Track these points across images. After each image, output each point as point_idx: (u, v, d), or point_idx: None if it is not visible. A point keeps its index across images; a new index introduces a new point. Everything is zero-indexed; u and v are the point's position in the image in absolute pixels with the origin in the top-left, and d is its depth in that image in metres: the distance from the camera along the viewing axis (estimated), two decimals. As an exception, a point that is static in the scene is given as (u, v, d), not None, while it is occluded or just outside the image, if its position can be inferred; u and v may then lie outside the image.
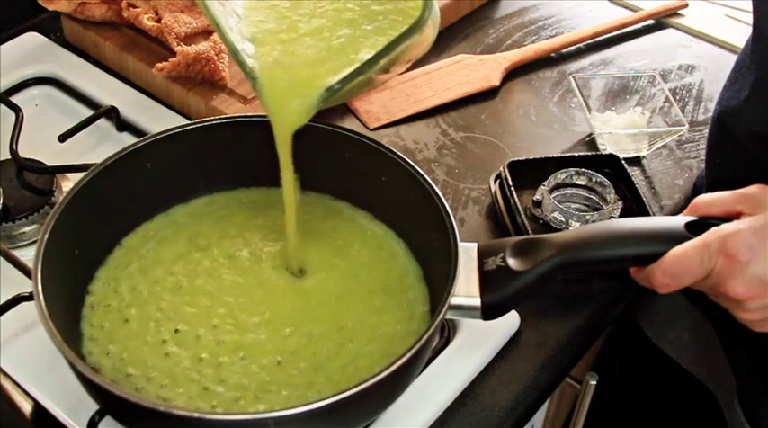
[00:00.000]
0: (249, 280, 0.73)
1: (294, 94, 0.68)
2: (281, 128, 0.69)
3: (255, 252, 0.75)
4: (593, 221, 0.82)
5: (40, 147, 0.89)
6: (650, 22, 1.15)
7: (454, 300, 0.64)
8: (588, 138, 0.98)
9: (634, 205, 0.86)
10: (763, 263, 0.61)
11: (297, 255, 0.74)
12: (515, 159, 0.87)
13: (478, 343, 0.75)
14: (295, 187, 0.72)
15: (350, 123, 0.97)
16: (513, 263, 0.65)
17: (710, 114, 1.00)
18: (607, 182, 0.85)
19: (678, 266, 0.63)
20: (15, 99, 0.95)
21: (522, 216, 0.83)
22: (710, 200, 0.66)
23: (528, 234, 0.81)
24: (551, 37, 1.11)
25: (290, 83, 0.68)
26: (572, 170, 0.86)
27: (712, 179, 0.85)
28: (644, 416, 1.06)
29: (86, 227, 0.72)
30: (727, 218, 0.65)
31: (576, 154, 0.91)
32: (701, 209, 0.66)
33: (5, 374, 0.70)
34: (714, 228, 0.63)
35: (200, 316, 0.70)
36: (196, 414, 0.57)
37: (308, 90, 0.67)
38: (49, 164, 0.86)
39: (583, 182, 0.86)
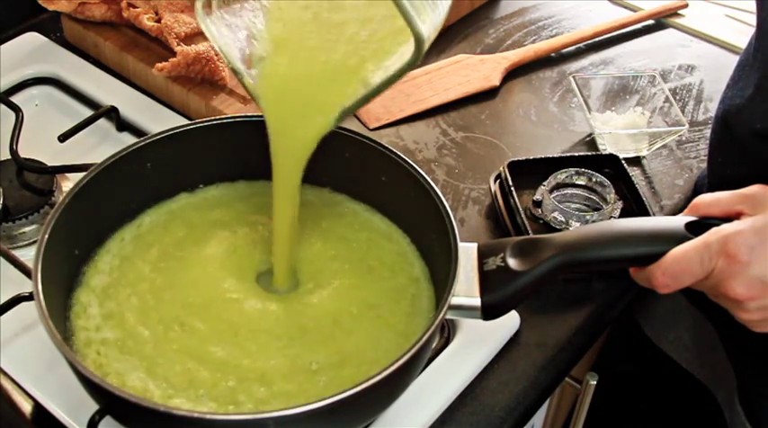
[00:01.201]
0: (224, 304, 0.69)
1: (301, 124, 0.67)
2: (284, 155, 0.68)
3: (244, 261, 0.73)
4: (593, 221, 0.82)
5: (40, 146, 0.89)
6: (650, 22, 1.15)
7: (454, 300, 0.63)
8: (588, 138, 0.98)
9: (634, 205, 0.86)
10: (763, 264, 0.61)
11: (287, 272, 0.72)
12: (515, 159, 0.87)
13: (478, 343, 0.75)
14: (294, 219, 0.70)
15: (350, 123, 0.97)
16: (513, 263, 0.65)
17: (711, 114, 1.01)
18: (607, 182, 0.85)
19: (678, 267, 0.63)
20: (15, 99, 0.95)
21: (522, 216, 0.83)
22: (711, 201, 0.66)
23: (528, 234, 0.81)
24: (551, 37, 1.11)
25: (297, 111, 0.67)
26: (572, 170, 0.86)
27: (715, 178, 0.85)
28: (644, 416, 1.06)
29: (87, 228, 0.72)
30: (728, 218, 0.65)
31: (576, 154, 0.91)
32: (702, 209, 0.66)
33: (5, 374, 0.71)
34: (715, 229, 0.63)
35: (170, 356, 0.66)
36: (196, 415, 0.57)
37: (317, 119, 0.67)
38: (49, 164, 0.86)
39: (583, 182, 0.86)
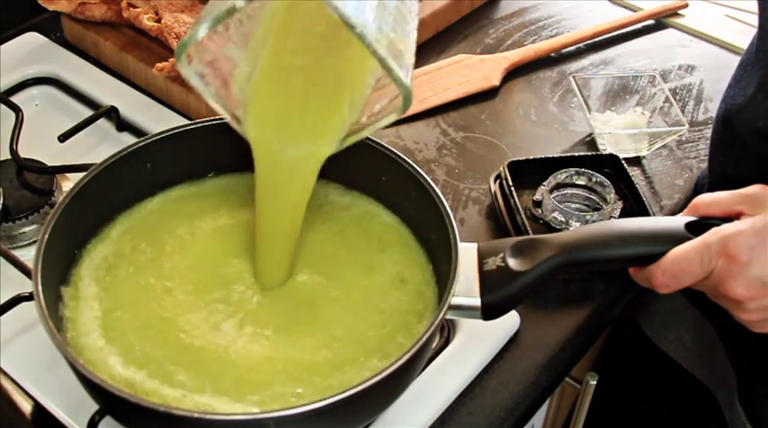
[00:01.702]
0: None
1: (287, 158, 0.66)
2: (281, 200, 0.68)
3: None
4: (593, 221, 0.82)
5: (40, 147, 0.89)
6: (650, 22, 1.15)
7: (454, 300, 0.63)
8: (588, 138, 0.98)
9: (634, 205, 0.86)
10: (763, 265, 0.61)
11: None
12: (515, 159, 0.87)
13: (478, 343, 0.75)
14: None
15: (350, 123, 0.97)
16: (513, 263, 0.65)
17: (711, 114, 1.01)
18: (607, 182, 0.85)
19: (678, 267, 0.63)
20: (15, 99, 0.95)
21: (522, 216, 0.83)
22: (711, 201, 0.66)
23: (528, 234, 0.81)
24: (551, 37, 1.11)
25: (282, 141, 0.66)
26: (572, 170, 0.86)
27: (716, 178, 0.85)
28: (644, 416, 1.06)
29: (87, 228, 0.72)
30: (728, 218, 0.65)
31: (576, 154, 0.91)
32: (702, 209, 0.66)
33: (5, 374, 0.71)
34: (715, 229, 0.63)
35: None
36: (196, 415, 0.57)
37: (303, 148, 0.66)
38: (49, 164, 0.86)
39: (583, 182, 0.86)
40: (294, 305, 0.69)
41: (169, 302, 0.69)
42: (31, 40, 1.04)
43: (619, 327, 0.99)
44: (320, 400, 0.56)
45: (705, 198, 0.66)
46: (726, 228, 0.62)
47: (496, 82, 1.03)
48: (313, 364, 0.65)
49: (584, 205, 0.87)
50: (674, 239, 0.64)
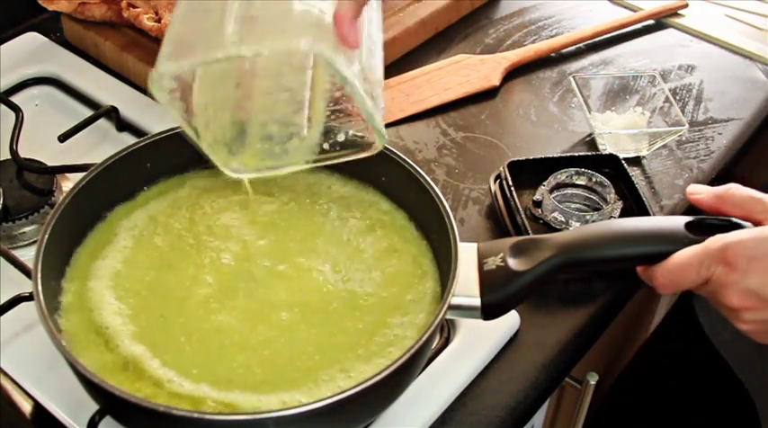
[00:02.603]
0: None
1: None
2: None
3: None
4: (593, 221, 0.82)
5: (40, 147, 0.89)
6: (650, 22, 1.15)
7: (454, 300, 0.63)
8: (588, 138, 0.98)
9: (634, 205, 0.86)
10: (762, 276, 0.60)
11: None
12: (515, 159, 0.87)
13: (478, 343, 0.75)
14: None
15: (350, 123, 0.97)
16: (513, 263, 0.65)
17: (711, 114, 1.01)
18: (607, 182, 0.85)
19: (677, 270, 0.62)
20: (15, 99, 0.95)
21: (522, 216, 0.83)
22: (740, 199, 0.65)
23: (528, 234, 0.81)
24: (551, 37, 1.11)
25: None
26: (572, 170, 0.86)
27: None
28: (647, 417, 1.06)
29: (87, 228, 0.72)
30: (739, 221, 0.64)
31: (576, 154, 0.91)
32: (727, 203, 0.65)
33: (5, 374, 0.71)
34: (718, 235, 0.62)
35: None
36: (196, 415, 0.57)
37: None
38: (49, 164, 0.86)
39: (583, 182, 0.86)
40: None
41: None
42: (31, 39, 1.05)
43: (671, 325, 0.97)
44: (320, 400, 0.56)
45: (737, 192, 0.65)
46: (728, 236, 0.61)
47: (496, 82, 1.03)
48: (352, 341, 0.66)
49: (584, 205, 0.87)
50: (673, 239, 0.64)
